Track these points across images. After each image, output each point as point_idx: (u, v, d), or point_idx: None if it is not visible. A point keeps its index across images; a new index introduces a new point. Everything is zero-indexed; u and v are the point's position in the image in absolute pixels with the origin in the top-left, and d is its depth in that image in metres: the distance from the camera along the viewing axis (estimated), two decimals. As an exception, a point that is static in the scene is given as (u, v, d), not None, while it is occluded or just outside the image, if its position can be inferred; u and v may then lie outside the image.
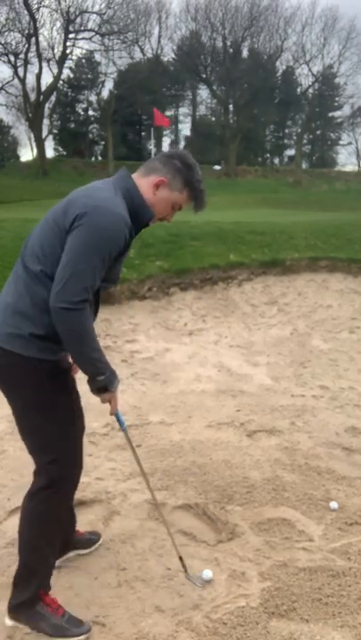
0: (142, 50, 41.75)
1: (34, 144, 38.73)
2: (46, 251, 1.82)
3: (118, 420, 2.05)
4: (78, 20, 34.69)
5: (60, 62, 35.81)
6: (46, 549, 1.96)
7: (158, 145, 41.51)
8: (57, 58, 35.71)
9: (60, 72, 36.48)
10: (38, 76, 34.52)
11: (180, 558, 2.21)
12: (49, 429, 1.91)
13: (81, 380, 2.25)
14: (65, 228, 1.78)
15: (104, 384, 1.86)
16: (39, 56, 34.32)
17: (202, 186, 1.95)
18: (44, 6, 33.89)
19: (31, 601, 1.94)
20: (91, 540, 2.45)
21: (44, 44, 36.06)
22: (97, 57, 40.84)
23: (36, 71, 34.59)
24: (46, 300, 1.77)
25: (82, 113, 45.71)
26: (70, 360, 1.99)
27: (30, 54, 34.28)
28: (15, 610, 1.95)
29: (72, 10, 33.93)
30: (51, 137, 42.70)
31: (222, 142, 41.69)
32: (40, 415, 1.90)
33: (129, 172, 1.97)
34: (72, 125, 45.38)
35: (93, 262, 1.73)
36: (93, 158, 45.38)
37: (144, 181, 1.93)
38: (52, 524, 1.97)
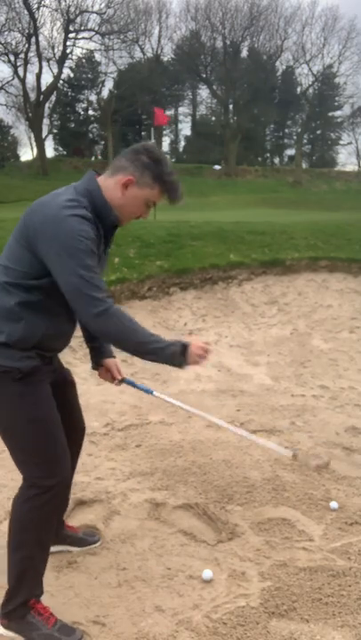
0: (142, 49, 41.79)
1: (34, 144, 38.71)
2: (12, 261, 1.84)
3: (133, 384, 2.24)
4: (78, 19, 34.70)
5: (60, 62, 35.79)
6: (36, 555, 1.92)
7: (158, 145, 41.44)
8: (57, 57, 35.71)
9: (60, 72, 36.46)
10: (38, 76, 34.50)
11: None
12: (28, 436, 1.88)
13: (84, 381, 2.26)
14: (26, 237, 1.80)
15: (179, 361, 1.81)
16: (39, 56, 34.30)
17: (173, 178, 1.87)
18: (44, 6, 33.97)
19: (22, 610, 1.91)
20: (85, 540, 2.42)
21: (44, 43, 36.08)
22: (97, 57, 40.98)
23: (36, 71, 34.58)
24: (7, 308, 1.82)
25: (82, 113, 45.72)
26: (45, 364, 1.94)
27: (30, 54, 34.27)
28: (6, 618, 1.93)
29: (72, 9, 33.95)
30: (51, 137, 42.77)
31: (222, 142, 41.67)
32: (16, 422, 1.88)
33: (95, 173, 1.92)
34: (72, 125, 45.37)
35: (85, 263, 1.72)
36: (93, 158, 45.33)
37: (111, 181, 1.87)
38: (40, 531, 1.92)
